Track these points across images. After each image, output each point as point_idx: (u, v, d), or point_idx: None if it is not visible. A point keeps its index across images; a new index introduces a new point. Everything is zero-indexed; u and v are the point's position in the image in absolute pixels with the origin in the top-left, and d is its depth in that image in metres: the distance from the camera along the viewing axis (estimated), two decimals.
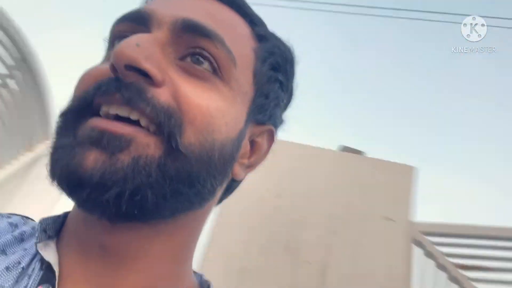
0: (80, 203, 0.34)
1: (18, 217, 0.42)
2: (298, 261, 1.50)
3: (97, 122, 0.33)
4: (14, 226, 0.40)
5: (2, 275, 0.34)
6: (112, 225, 0.35)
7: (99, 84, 0.34)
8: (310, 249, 1.53)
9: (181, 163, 0.33)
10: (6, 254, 0.36)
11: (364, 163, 1.74)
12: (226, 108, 0.38)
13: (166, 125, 0.33)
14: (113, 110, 0.33)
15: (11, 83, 1.95)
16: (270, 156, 0.47)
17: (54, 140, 0.35)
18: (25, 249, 0.37)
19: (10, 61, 1.86)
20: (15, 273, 0.35)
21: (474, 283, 1.78)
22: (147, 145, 0.32)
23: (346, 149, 1.83)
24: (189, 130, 0.34)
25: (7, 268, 0.35)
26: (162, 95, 0.34)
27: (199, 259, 1.57)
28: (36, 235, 0.37)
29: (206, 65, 0.37)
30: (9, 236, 0.38)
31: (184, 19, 0.37)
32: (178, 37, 0.37)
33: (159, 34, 0.36)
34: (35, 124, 2.12)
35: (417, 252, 1.84)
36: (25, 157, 2.12)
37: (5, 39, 1.79)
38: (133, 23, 0.37)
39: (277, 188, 1.70)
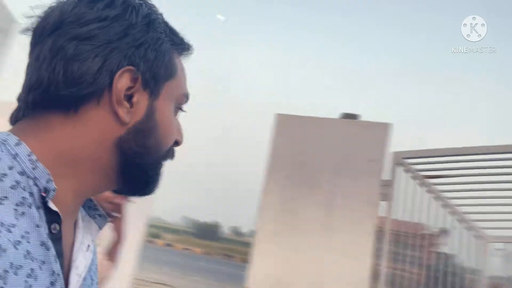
0: (138, 195, 0.58)
1: None
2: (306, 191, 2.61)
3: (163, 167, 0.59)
4: None
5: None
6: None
7: (172, 148, 0.57)
8: (319, 188, 2.63)
9: None
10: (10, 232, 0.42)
11: (357, 125, 2.71)
12: None
13: None
14: None
15: None
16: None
17: (156, 170, 0.56)
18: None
19: None
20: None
21: (434, 186, 2.84)
22: None
23: (345, 115, 2.78)
24: None
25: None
26: None
27: None
28: (50, 194, 0.46)
29: None
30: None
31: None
32: None
33: None
34: None
35: (399, 170, 2.87)
36: None
37: None
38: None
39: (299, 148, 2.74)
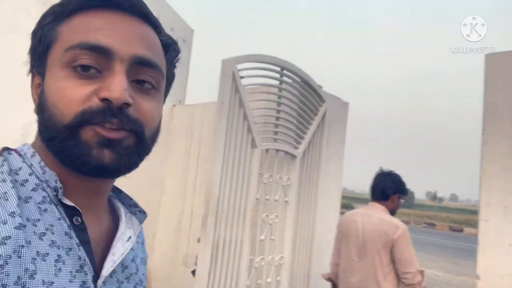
0: (100, 177, 0.55)
1: None
2: None
3: (102, 132, 0.51)
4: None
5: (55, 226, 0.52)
6: (104, 180, 0.58)
7: (94, 110, 0.50)
8: None
9: (144, 145, 0.56)
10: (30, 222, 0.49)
11: None
12: (159, 108, 0.58)
13: (137, 130, 0.54)
14: (109, 126, 0.51)
15: None
16: None
17: (59, 142, 0.51)
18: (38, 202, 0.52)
19: None
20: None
21: None
22: (128, 140, 0.53)
23: None
24: (147, 129, 0.55)
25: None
26: (132, 112, 0.53)
27: None
28: (58, 190, 0.53)
29: (149, 85, 0.56)
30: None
31: (137, 56, 0.53)
32: (133, 67, 0.53)
33: (122, 68, 0.52)
34: None
35: None
36: None
37: None
38: (97, 54, 0.51)
39: None
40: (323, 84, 3.27)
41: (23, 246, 0.46)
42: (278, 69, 2.85)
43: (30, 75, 0.58)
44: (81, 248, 0.52)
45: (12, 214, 0.47)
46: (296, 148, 3.02)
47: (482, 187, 2.16)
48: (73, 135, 0.50)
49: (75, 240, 0.52)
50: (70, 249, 0.51)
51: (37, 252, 0.47)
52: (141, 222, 0.66)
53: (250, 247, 2.71)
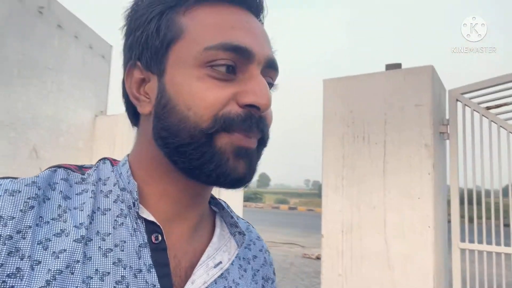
0: (230, 188, 0.49)
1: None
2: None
3: (242, 142, 0.47)
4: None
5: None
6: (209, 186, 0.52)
7: (235, 117, 0.46)
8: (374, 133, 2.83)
9: (263, 149, 0.52)
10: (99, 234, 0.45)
11: (400, 74, 2.81)
12: None
13: (265, 137, 0.51)
14: (252, 135, 0.48)
15: None
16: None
17: (194, 149, 0.46)
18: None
19: None
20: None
21: (498, 116, 2.77)
22: (256, 147, 0.50)
23: (388, 66, 2.89)
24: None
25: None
26: (267, 119, 0.50)
27: None
28: (135, 203, 0.48)
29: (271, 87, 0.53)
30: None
31: (270, 59, 0.50)
32: (263, 71, 0.50)
33: (259, 71, 0.49)
34: None
35: (459, 105, 2.87)
36: None
37: None
38: (237, 56, 0.47)
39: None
40: None
41: (78, 261, 0.42)
42: None
43: (127, 67, 0.51)
44: (152, 271, 0.46)
45: (78, 226, 0.44)
46: None
47: (323, 172, 3.06)
48: (208, 141, 0.46)
49: (145, 261, 0.46)
50: (140, 270, 0.45)
51: (96, 270, 0.43)
52: (239, 245, 0.57)
53: None
